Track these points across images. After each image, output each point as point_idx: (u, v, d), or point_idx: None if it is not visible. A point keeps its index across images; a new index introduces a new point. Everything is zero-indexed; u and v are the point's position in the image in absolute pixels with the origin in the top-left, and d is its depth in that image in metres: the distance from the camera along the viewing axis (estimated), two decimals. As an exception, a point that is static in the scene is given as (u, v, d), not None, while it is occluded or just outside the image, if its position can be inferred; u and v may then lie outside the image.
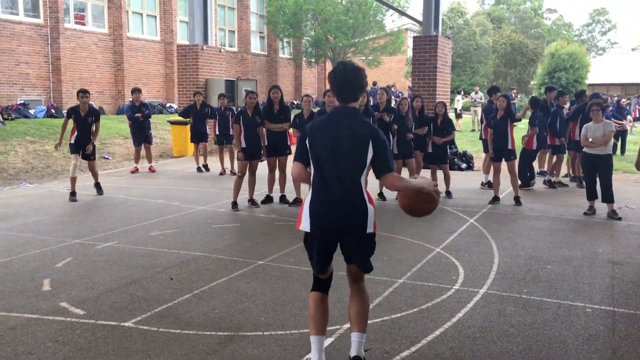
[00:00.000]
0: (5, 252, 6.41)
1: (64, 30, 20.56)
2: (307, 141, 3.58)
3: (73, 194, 9.74)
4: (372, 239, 3.62)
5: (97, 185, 10.27)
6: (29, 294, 5.10)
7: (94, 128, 10.00)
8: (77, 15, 21.81)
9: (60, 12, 20.33)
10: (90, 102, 10.28)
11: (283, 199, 9.45)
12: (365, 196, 3.53)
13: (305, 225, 3.56)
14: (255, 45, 31.97)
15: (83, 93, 9.91)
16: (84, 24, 22.01)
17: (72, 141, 9.88)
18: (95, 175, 10.30)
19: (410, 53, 28.92)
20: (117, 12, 22.74)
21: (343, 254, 3.69)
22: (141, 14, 24.66)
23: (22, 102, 18.94)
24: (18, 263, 6.03)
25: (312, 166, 3.59)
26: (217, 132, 13.05)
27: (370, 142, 3.46)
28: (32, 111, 18.59)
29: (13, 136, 14.69)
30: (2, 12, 19.12)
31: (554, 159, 11.48)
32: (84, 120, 9.83)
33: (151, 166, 13.33)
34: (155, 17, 25.30)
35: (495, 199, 9.58)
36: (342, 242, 3.62)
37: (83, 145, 9.87)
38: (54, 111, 19.10)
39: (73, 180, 9.82)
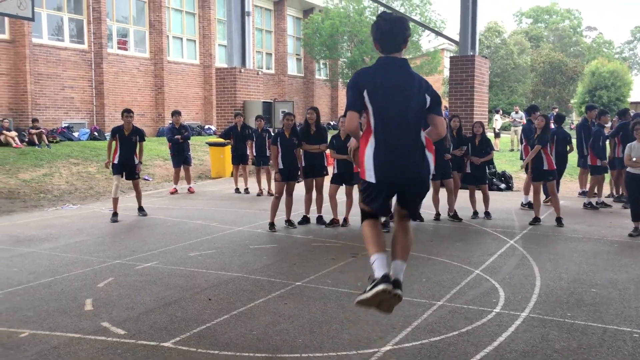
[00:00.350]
0: (49, 272, 6.57)
1: (107, 55, 21.23)
2: (365, 92, 3.51)
3: (115, 214, 9.94)
4: (428, 184, 3.74)
5: (141, 209, 10.40)
6: (71, 313, 5.21)
7: (138, 148, 10.20)
8: (119, 40, 22.51)
9: (104, 38, 21.03)
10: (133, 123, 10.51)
11: (320, 219, 9.45)
12: (425, 144, 3.60)
13: (369, 176, 3.54)
14: (292, 67, 32.36)
15: (127, 113, 10.13)
16: (126, 49, 22.68)
17: (115, 161, 10.06)
18: (139, 195, 10.44)
19: (446, 73, 28.82)
20: (158, 37, 23.38)
21: (400, 200, 3.71)
22: (181, 39, 25.29)
23: (66, 125, 19.57)
24: (61, 283, 6.18)
25: (371, 117, 3.55)
26: (255, 154, 13.18)
27: (427, 93, 3.57)
28: (76, 134, 19.18)
29: (58, 158, 15.15)
30: (49, 39, 19.88)
31: (593, 179, 11.18)
32: (128, 140, 10.04)
33: (190, 187, 13.53)
34: (195, 41, 25.91)
35: (536, 220, 9.38)
36: (404, 190, 3.64)
37: (126, 166, 10.06)
38: (96, 134, 19.66)
39: (115, 201, 10.03)
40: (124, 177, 10.18)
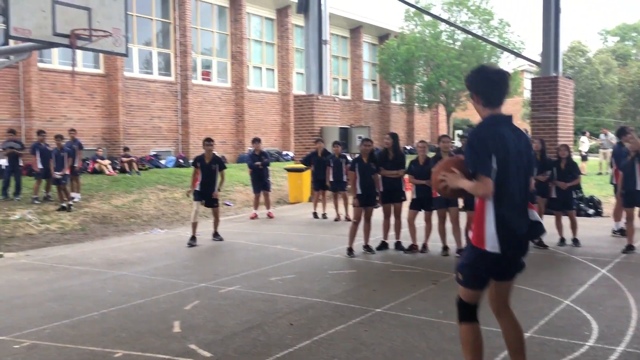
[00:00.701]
0: (140, 294, 6.88)
1: (192, 86, 22.25)
2: (494, 158, 3.34)
3: (193, 239, 10.21)
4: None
5: (216, 234, 10.63)
6: (161, 335, 5.42)
7: (219, 176, 10.51)
8: (203, 72, 23.55)
9: (189, 70, 22.07)
10: (214, 152, 10.90)
11: (399, 245, 9.38)
12: None
13: (493, 246, 3.37)
14: (368, 93, 32.57)
15: (208, 142, 10.48)
16: (209, 80, 23.68)
17: (197, 188, 10.41)
18: (217, 221, 10.73)
19: (527, 95, 28.03)
20: (240, 67, 24.26)
21: (507, 273, 3.58)
22: (260, 68, 26.11)
23: (154, 153, 20.58)
24: (151, 305, 6.45)
25: (493, 181, 3.37)
26: (332, 179, 13.30)
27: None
28: (163, 161, 20.13)
29: (146, 185, 15.91)
30: (139, 72, 21.09)
31: None
32: (208, 168, 10.36)
33: (269, 212, 13.80)
34: (274, 70, 26.66)
35: (630, 248, 8.86)
36: (516, 260, 3.55)
37: (206, 193, 10.39)
38: (182, 161, 20.54)
39: (194, 225, 10.34)
40: (204, 204, 10.47)
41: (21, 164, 14.02)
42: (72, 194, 14.09)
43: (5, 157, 13.82)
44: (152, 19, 21.47)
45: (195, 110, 22.47)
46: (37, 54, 17.07)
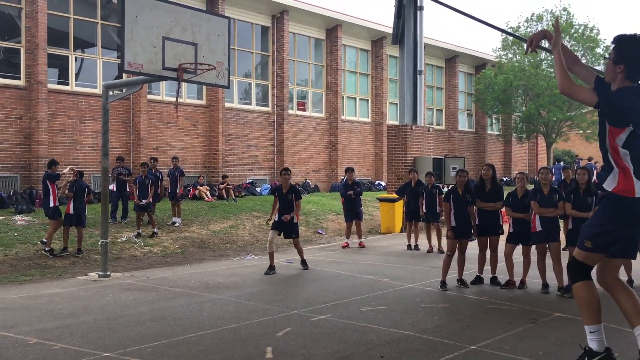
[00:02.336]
0: (234, 319, 7.06)
1: (288, 116, 22.88)
2: (631, 126, 3.88)
3: (270, 268, 10.17)
4: None
5: (303, 262, 10.63)
6: None
7: (295, 206, 10.38)
8: (299, 102, 24.18)
9: (285, 101, 22.74)
10: (291, 181, 10.76)
11: (494, 280, 9.02)
12: None
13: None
14: (463, 123, 32.00)
15: (285, 171, 10.54)
16: (304, 110, 24.26)
17: (275, 218, 10.41)
18: (300, 251, 10.68)
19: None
20: (334, 97, 24.69)
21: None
22: (355, 98, 26.42)
23: (250, 181, 21.26)
24: (245, 329, 6.59)
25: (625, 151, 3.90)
26: (425, 210, 13.10)
27: None
28: (258, 189, 20.74)
29: (242, 211, 16.43)
30: (239, 103, 22.00)
31: None
32: (285, 197, 10.35)
33: (361, 242, 13.78)
34: (368, 100, 26.89)
35: None
36: None
37: (284, 223, 10.28)
38: (276, 189, 21.04)
39: (270, 255, 10.28)
40: (281, 234, 10.44)
41: (128, 189, 14.93)
42: (174, 219, 14.81)
43: (113, 182, 14.78)
44: (251, 52, 22.41)
45: (290, 139, 23.05)
46: (147, 86, 18.29)
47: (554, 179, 12.43)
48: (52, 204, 11.62)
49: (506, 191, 9.19)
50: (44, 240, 11.54)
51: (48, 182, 11.79)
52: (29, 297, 8.29)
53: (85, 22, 18.09)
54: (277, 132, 22.72)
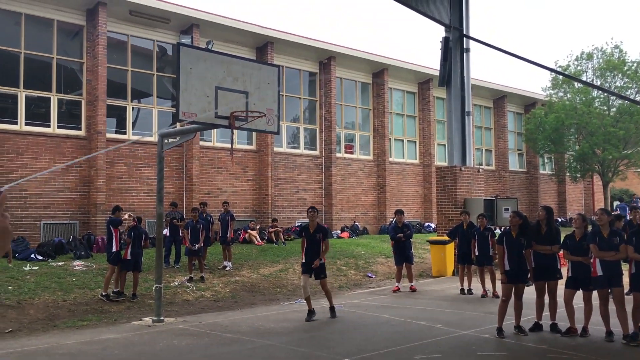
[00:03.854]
0: (286, 365, 6.99)
1: (336, 159, 23.05)
2: None
3: (310, 313, 9.97)
4: None
5: (332, 309, 10.24)
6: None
7: (323, 246, 10.13)
8: (347, 145, 24.35)
9: (333, 144, 22.95)
10: (318, 221, 10.62)
11: (554, 327, 8.66)
12: None
13: None
14: (513, 163, 31.45)
15: (311, 210, 10.32)
16: (352, 153, 24.39)
17: (303, 259, 10.18)
18: (328, 295, 10.31)
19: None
20: (381, 140, 24.77)
21: None
22: (402, 140, 26.43)
23: (299, 224, 21.32)
24: (297, 376, 6.52)
25: None
26: (477, 253, 12.80)
27: None
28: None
29: (291, 255, 16.44)
30: (287, 147, 22.34)
31: None
32: (312, 237, 10.11)
33: (412, 285, 13.53)
34: (415, 142, 26.84)
35: None
36: None
37: (312, 264, 10.04)
38: (325, 232, 21.03)
39: (307, 299, 10.09)
40: (312, 276, 10.16)
41: (181, 234, 15.21)
42: (225, 263, 14.96)
43: (167, 227, 15.09)
44: (299, 98, 22.84)
45: (339, 182, 23.14)
46: (199, 133, 18.82)
47: (622, 222, 11.94)
48: (114, 249, 11.96)
49: (563, 233, 8.92)
50: (114, 290, 11.78)
51: (111, 228, 12.17)
52: (86, 343, 8.47)
53: (142, 73, 18.91)
54: (325, 175, 22.87)
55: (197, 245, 13.71)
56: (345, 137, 24.49)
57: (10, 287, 11.41)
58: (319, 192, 22.75)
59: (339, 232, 21.86)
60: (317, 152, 22.99)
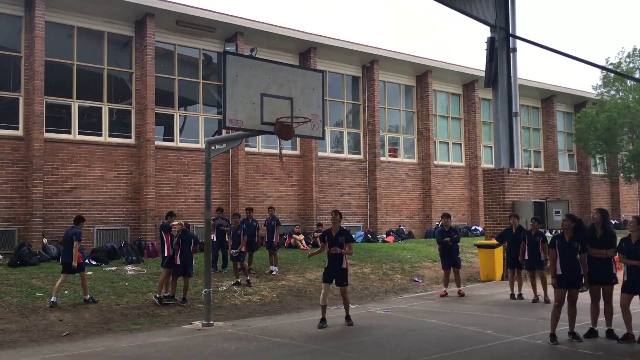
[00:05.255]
0: (334, 370, 6.99)
1: (380, 163, 22.94)
2: None
3: (322, 321, 9.78)
4: None
5: (348, 318, 10.00)
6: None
7: (346, 248, 9.95)
8: (391, 149, 24.21)
9: (377, 148, 22.86)
10: (342, 225, 10.41)
11: (610, 333, 8.38)
12: None
13: None
14: (563, 164, 30.62)
15: (334, 214, 10.22)
16: (396, 156, 24.24)
17: (327, 264, 10.03)
18: (346, 303, 10.12)
19: None
20: (426, 143, 24.53)
21: None
22: (447, 143, 26.10)
23: (344, 228, 21.29)
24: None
25: None
26: (527, 257, 12.51)
27: None
28: (352, 236, 20.70)
29: (337, 259, 16.43)
30: (331, 151, 22.37)
31: None
32: (335, 241, 9.96)
33: (460, 290, 13.34)
34: (461, 144, 26.47)
35: None
36: None
37: (334, 270, 9.88)
38: (370, 236, 20.97)
39: (323, 308, 9.90)
40: (333, 282, 9.97)
41: (227, 239, 15.40)
42: (271, 267, 15.08)
43: (214, 233, 15.31)
44: (343, 102, 22.86)
45: (383, 186, 23.03)
46: (245, 139, 19.07)
47: None
48: (166, 254, 12.27)
49: (618, 236, 8.63)
50: (166, 294, 12.06)
51: (162, 232, 12.52)
52: (139, 346, 8.68)
53: (188, 82, 19.30)
54: (370, 179, 22.80)
55: (234, 251, 13.86)
56: (389, 141, 24.36)
57: (66, 292, 11.80)
58: (364, 196, 22.68)
59: (385, 236, 21.74)
60: (361, 156, 22.95)
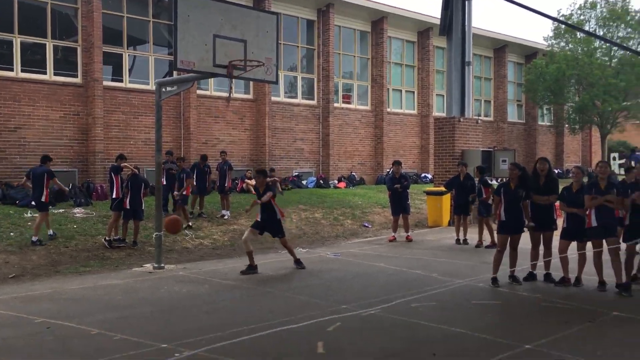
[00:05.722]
0: (285, 312, 7.17)
1: (333, 109, 22.90)
2: None
3: (250, 268, 9.71)
4: None
5: (297, 262, 10.14)
6: (305, 355, 5.60)
7: (265, 197, 9.81)
8: (344, 95, 24.16)
9: (331, 94, 22.76)
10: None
11: (548, 277, 8.86)
12: None
13: None
14: (512, 114, 31.31)
15: (258, 175, 10.26)
16: (350, 103, 24.23)
17: (258, 218, 10.12)
18: (289, 250, 10.25)
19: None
20: (380, 90, 24.56)
21: None
22: (400, 91, 26.20)
23: (296, 174, 21.41)
24: (296, 324, 6.69)
25: None
26: (475, 204, 12.92)
27: None
28: (304, 182, 20.86)
29: (289, 205, 16.55)
30: (285, 97, 22.15)
31: None
32: (261, 195, 9.96)
33: (408, 235, 13.71)
34: (414, 92, 26.63)
35: None
36: None
37: (266, 223, 10.01)
38: (322, 182, 21.15)
39: (249, 254, 9.84)
40: (259, 233, 10.15)
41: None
42: (223, 212, 15.08)
43: (163, 176, 15.10)
44: (297, 46, 22.48)
45: (336, 132, 23.07)
46: (196, 82, 18.61)
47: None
48: (114, 196, 12.12)
49: (561, 185, 8.98)
50: (115, 237, 11.94)
51: (112, 174, 12.34)
52: (88, 288, 8.63)
53: (138, 20, 18.52)
54: (323, 125, 22.77)
55: (177, 194, 13.93)
56: (343, 87, 24.27)
57: (12, 234, 11.53)
58: (316, 142, 22.70)
59: (336, 182, 21.96)
60: (314, 102, 22.82)
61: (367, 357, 5.51)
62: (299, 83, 22.74)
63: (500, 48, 30.01)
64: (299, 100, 22.53)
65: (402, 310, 7.22)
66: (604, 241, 8.16)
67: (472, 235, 13.07)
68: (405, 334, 6.26)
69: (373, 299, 7.80)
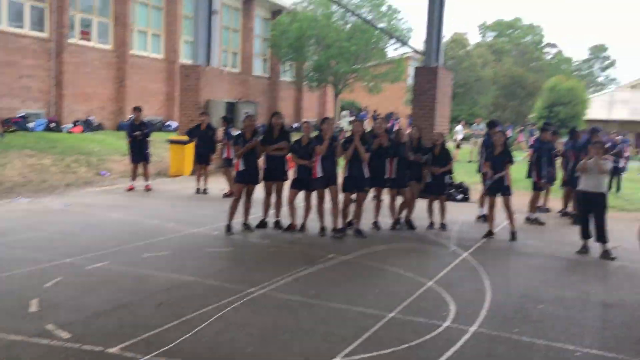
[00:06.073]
0: (-5, 269, 6.36)
1: (69, 45, 20.69)
2: None
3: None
4: None
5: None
6: (15, 314, 5.05)
7: None
8: (82, 31, 21.96)
9: (66, 28, 20.48)
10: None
11: (277, 224, 9.43)
12: None
13: None
14: (258, 68, 32.22)
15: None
16: (88, 40, 22.16)
17: None
18: None
19: (411, 81, 29.20)
20: (122, 29, 22.92)
21: None
22: (146, 33, 24.87)
23: (22, 115, 18.97)
24: (7, 281, 5.99)
25: None
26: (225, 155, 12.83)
27: None
28: (31, 124, 18.63)
29: (11, 149, 14.69)
30: (8, 25, 19.26)
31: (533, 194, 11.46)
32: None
33: (147, 185, 13.29)
34: (160, 36, 25.53)
35: (489, 234, 9.55)
36: None
37: None
38: (53, 125, 19.17)
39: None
40: None
41: None
42: None
43: None
44: (25, -32, 19.62)
45: (72, 71, 20.94)
46: None
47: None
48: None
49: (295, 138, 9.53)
50: None
51: None
52: None
53: None
54: (56, 62, 20.44)
55: None
56: (81, 22, 22.03)
57: None
58: (48, 80, 20.33)
59: (71, 125, 20.09)
60: (46, 35, 20.30)
61: (88, 310, 5.19)
62: (27, 11, 19.94)
63: (248, 1, 30.38)
64: (26, 30, 19.79)
65: (133, 262, 6.98)
66: (326, 190, 8.96)
67: (214, 185, 13.22)
68: (133, 285, 6.06)
69: (102, 251, 7.38)
